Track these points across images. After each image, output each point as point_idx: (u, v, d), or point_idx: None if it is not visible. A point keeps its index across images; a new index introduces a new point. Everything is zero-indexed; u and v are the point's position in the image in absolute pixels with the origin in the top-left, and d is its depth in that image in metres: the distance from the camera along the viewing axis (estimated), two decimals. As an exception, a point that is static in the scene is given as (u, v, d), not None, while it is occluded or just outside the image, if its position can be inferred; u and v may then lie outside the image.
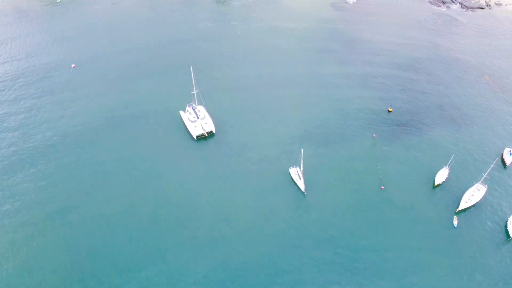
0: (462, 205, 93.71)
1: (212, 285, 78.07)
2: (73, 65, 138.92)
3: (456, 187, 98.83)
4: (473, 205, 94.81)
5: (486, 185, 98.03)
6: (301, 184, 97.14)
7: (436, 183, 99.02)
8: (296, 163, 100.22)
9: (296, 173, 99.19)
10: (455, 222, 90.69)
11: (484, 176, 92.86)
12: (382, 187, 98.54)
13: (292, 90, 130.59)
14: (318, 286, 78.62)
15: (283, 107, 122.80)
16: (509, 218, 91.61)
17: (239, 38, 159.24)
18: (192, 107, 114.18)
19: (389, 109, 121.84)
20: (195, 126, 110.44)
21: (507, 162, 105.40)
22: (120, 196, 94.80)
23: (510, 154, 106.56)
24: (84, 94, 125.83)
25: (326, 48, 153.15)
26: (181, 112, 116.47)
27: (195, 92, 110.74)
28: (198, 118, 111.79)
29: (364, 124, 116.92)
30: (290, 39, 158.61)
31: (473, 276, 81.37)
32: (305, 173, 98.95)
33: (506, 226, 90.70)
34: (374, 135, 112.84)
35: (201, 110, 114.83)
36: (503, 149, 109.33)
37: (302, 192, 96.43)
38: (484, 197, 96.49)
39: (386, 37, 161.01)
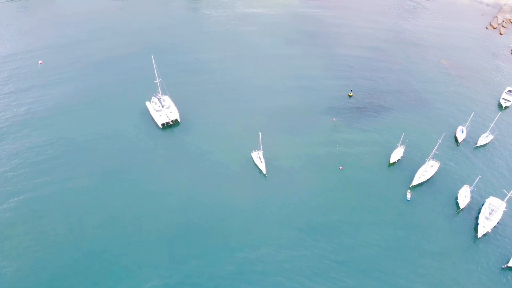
0: (416, 181, 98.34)
1: (174, 266, 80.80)
2: (40, 62, 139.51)
3: (410, 164, 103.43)
4: (426, 180, 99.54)
5: (439, 161, 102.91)
6: (262, 166, 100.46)
7: (391, 161, 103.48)
8: (257, 147, 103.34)
9: (257, 156, 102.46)
10: (408, 196, 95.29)
11: (434, 151, 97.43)
12: (341, 167, 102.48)
13: (256, 76, 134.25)
14: (277, 260, 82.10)
15: (247, 93, 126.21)
16: (459, 191, 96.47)
17: (208, 25, 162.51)
18: (158, 97, 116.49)
19: (350, 94, 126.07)
20: (160, 115, 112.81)
21: (460, 139, 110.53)
22: (83, 182, 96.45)
23: (462, 132, 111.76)
24: (50, 86, 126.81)
25: (293, 35, 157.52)
26: (147, 103, 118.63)
27: (158, 81, 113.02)
28: (163, 107, 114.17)
29: (325, 108, 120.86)
30: (258, 26, 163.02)
31: (422, 244, 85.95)
32: (267, 156, 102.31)
33: (456, 198, 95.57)
34: (335, 119, 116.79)
35: (166, 99, 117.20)
36: (456, 127, 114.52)
37: (264, 174, 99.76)
38: (437, 173, 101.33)
39: (351, 22, 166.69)
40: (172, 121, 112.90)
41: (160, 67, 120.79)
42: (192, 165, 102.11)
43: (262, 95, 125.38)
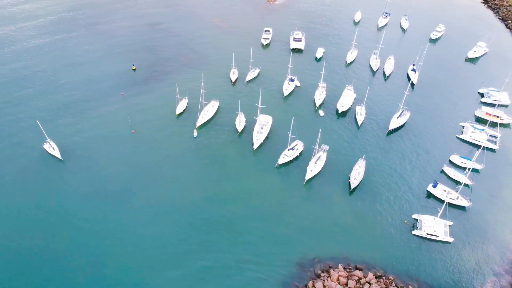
0: (200, 121, 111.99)
1: None
2: None
3: (194, 111, 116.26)
4: (210, 119, 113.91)
5: (218, 100, 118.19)
6: (56, 153, 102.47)
7: (177, 113, 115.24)
8: (45, 137, 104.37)
9: (49, 146, 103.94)
10: (195, 134, 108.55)
11: (202, 90, 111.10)
12: (133, 131, 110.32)
13: (35, 71, 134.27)
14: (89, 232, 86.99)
15: (29, 91, 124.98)
16: (236, 119, 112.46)
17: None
18: None
19: (133, 68, 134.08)
20: None
21: (233, 79, 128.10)
22: None
23: (234, 73, 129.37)
24: None
25: (68, 22, 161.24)
26: None
27: None
28: None
29: (112, 86, 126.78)
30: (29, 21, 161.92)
31: (214, 169, 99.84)
32: (62, 142, 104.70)
33: (235, 125, 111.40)
34: (122, 93, 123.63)
35: None
36: (229, 70, 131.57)
37: (60, 160, 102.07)
38: (217, 111, 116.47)
39: (128, 9, 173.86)
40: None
41: None
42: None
43: (47, 88, 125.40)
